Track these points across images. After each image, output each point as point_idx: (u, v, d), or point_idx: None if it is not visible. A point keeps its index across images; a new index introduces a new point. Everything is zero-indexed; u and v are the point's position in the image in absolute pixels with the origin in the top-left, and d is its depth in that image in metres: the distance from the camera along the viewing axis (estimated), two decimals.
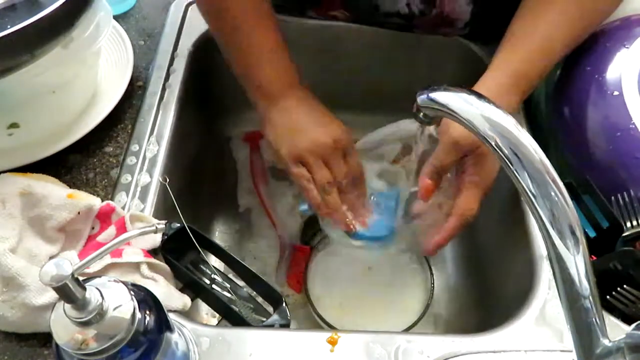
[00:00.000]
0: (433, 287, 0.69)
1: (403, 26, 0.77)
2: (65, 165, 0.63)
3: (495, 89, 0.56)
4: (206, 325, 0.53)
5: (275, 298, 0.56)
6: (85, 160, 0.64)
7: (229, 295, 0.57)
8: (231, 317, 0.56)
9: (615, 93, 0.61)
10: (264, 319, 0.55)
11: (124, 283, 0.38)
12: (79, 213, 0.54)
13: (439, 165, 0.57)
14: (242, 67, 0.65)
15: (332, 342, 0.50)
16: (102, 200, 0.57)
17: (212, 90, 0.85)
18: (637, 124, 0.58)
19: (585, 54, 0.69)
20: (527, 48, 0.59)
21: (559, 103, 0.69)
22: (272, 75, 0.63)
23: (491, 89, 0.56)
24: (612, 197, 0.57)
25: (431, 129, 0.54)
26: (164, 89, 0.71)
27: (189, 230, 0.55)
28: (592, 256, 0.53)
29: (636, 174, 0.58)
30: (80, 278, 0.35)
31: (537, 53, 0.59)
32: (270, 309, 0.57)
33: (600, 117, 0.63)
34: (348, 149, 0.62)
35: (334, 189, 0.61)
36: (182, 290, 0.56)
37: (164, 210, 0.61)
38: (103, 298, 0.36)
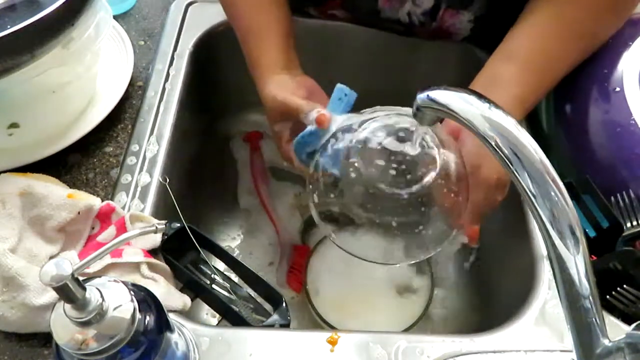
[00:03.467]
0: (433, 287, 0.69)
1: (402, 33, 0.77)
2: (65, 165, 0.63)
3: None
4: (206, 325, 0.53)
5: (275, 298, 0.56)
6: (85, 160, 0.64)
7: (229, 295, 0.57)
8: (231, 317, 0.56)
9: (617, 89, 0.61)
10: (264, 319, 0.55)
11: (124, 283, 0.38)
12: (79, 213, 0.54)
13: (486, 208, 0.55)
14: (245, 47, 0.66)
15: (332, 342, 0.50)
16: (102, 200, 0.57)
17: (212, 90, 0.85)
18: (637, 121, 0.58)
19: None
20: (527, 73, 0.58)
21: (559, 101, 0.69)
22: (265, 60, 0.63)
23: None
24: (612, 197, 0.57)
25: (424, 130, 0.53)
26: (164, 89, 0.71)
27: (189, 230, 0.55)
28: (592, 256, 0.53)
29: (636, 171, 0.58)
30: (80, 278, 0.35)
31: (536, 78, 0.58)
32: (270, 309, 0.57)
33: (600, 114, 0.62)
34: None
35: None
36: (182, 290, 0.56)
37: (164, 210, 0.61)
38: (103, 298, 0.36)
